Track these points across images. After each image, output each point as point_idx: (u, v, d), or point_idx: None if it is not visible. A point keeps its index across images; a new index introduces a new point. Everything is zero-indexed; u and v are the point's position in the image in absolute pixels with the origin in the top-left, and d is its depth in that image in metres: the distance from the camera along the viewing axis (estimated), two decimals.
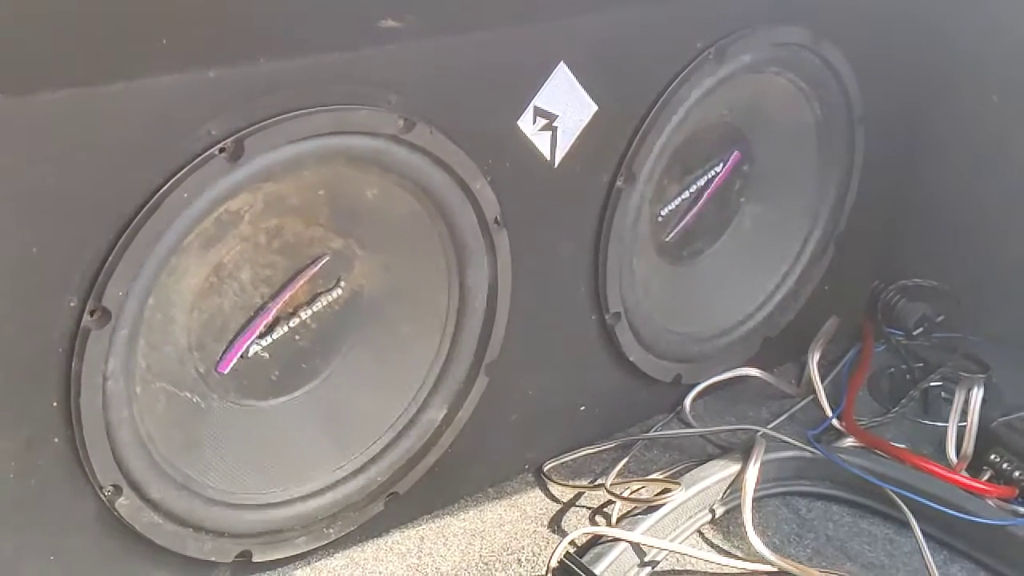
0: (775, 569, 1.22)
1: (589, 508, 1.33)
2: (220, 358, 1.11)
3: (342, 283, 1.17)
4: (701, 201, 1.45)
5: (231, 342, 1.12)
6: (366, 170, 1.09)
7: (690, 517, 1.29)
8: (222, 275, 1.09)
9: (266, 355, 1.14)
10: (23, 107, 0.86)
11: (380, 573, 1.23)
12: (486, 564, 1.24)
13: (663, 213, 1.43)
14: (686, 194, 1.44)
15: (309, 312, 1.16)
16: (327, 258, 1.15)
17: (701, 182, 1.44)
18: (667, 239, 1.45)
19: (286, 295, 1.13)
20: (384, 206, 1.13)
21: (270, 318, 1.13)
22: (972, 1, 1.53)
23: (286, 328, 1.15)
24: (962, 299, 1.65)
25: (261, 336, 1.13)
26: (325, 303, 1.17)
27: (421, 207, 1.14)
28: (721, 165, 1.45)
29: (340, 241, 1.15)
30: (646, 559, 1.23)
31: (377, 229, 1.16)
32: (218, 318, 1.10)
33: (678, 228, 1.45)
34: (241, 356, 1.12)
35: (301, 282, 1.14)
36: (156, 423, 1.06)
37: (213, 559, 1.13)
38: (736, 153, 1.46)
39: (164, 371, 1.07)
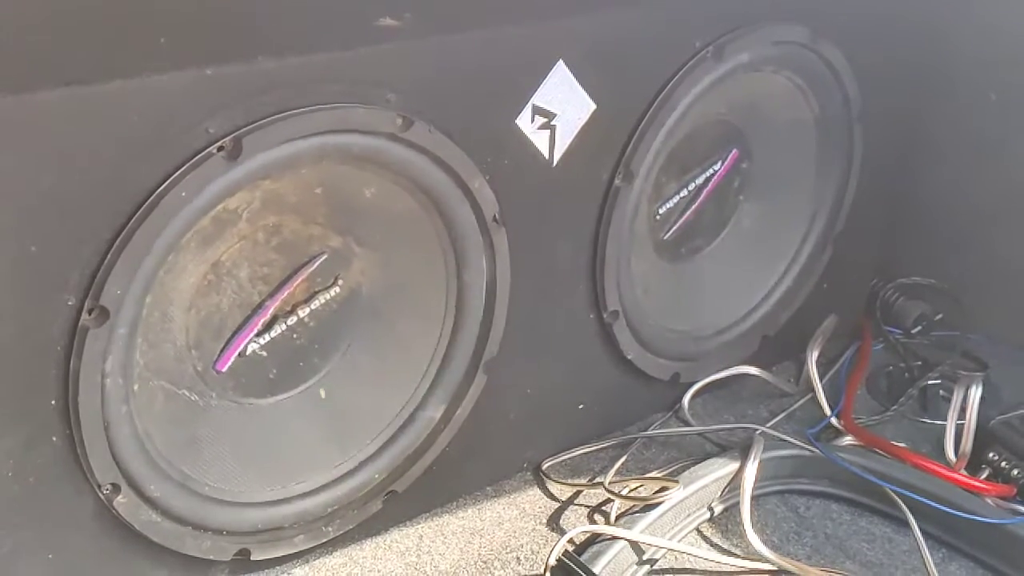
0: (774, 567, 1.22)
1: (588, 506, 1.33)
2: (218, 356, 1.11)
3: (340, 281, 1.17)
4: (699, 199, 1.45)
5: (229, 340, 1.12)
6: (363, 168, 1.09)
7: (688, 515, 1.30)
8: (220, 273, 1.09)
9: (264, 353, 1.14)
10: (21, 105, 0.86)
11: (379, 571, 1.23)
12: (485, 562, 1.25)
13: (661, 211, 1.43)
14: (684, 192, 1.44)
15: (307, 310, 1.16)
16: (325, 256, 1.15)
17: (699, 180, 1.44)
18: (665, 237, 1.45)
19: (284, 293, 1.13)
20: (382, 204, 1.13)
21: (268, 316, 1.13)
22: (970, 0, 1.53)
23: (284, 326, 1.15)
24: (961, 297, 1.65)
25: (259, 334, 1.13)
26: (323, 301, 1.17)
27: (418, 205, 1.14)
28: (719, 163, 1.45)
29: (338, 239, 1.15)
30: (644, 557, 1.23)
31: (375, 227, 1.16)
32: (216, 316, 1.10)
33: (676, 226, 1.45)
34: (239, 354, 1.12)
35: (299, 280, 1.14)
36: (154, 421, 1.06)
37: (211, 557, 1.13)
38: (734, 151, 1.46)
39: (162, 369, 1.07)
